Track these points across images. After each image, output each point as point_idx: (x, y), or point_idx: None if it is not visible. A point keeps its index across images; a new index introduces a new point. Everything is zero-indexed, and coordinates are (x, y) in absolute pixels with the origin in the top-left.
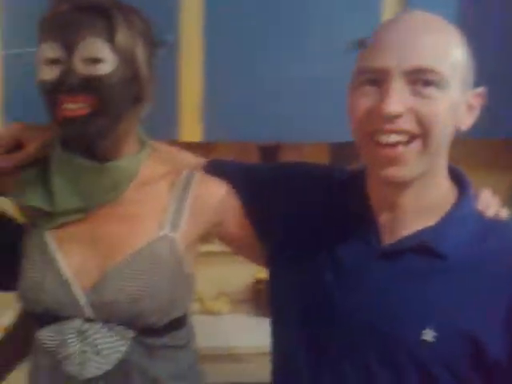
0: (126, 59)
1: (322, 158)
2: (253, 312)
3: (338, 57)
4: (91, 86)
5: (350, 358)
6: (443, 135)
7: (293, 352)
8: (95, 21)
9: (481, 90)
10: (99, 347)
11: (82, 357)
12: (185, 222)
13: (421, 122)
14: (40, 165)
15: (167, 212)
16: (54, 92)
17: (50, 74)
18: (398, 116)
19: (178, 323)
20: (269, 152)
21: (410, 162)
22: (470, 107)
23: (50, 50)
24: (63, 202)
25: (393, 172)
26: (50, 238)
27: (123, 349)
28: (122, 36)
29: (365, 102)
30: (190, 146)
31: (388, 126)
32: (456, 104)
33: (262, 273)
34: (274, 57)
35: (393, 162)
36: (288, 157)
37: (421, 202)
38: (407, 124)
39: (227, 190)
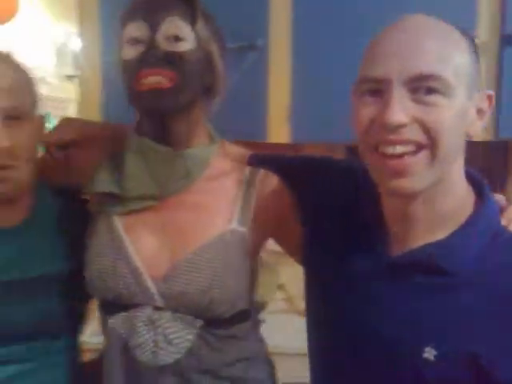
0: (203, 45)
1: None
2: None
3: None
4: (172, 61)
5: (359, 368)
6: (452, 143)
7: (313, 354)
8: (179, 4)
9: (489, 92)
10: (170, 336)
11: (154, 345)
12: (251, 219)
13: (427, 131)
14: (112, 154)
15: (236, 206)
16: (137, 67)
17: (133, 52)
18: (401, 126)
19: (244, 315)
20: (357, 152)
21: (418, 173)
22: (479, 111)
23: (136, 29)
24: (136, 188)
25: (401, 184)
26: (119, 225)
27: (191, 338)
28: (202, 24)
29: (367, 113)
30: (277, 147)
31: (392, 137)
32: (464, 110)
33: None
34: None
35: (400, 173)
36: None
37: (433, 212)
38: (413, 134)
39: (284, 187)
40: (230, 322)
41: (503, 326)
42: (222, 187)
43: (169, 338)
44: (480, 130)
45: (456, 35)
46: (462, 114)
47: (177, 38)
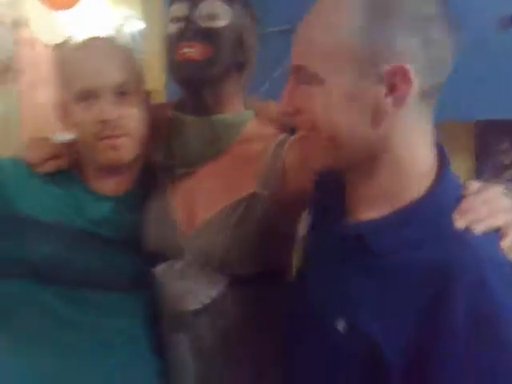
0: (237, 23)
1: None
2: None
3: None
4: (207, 36)
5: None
6: (339, 126)
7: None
8: None
9: (398, 66)
10: (193, 286)
11: (183, 293)
12: (276, 183)
13: (307, 118)
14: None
15: (262, 171)
16: (177, 40)
17: (174, 28)
18: (291, 114)
19: (272, 277)
20: None
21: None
22: (391, 87)
23: (178, 9)
24: (177, 157)
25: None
26: (165, 190)
27: (215, 291)
28: (237, 4)
29: None
30: None
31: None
32: (352, 92)
33: None
34: None
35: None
36: None
37: (372, 188)
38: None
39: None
40: (254, 280)
41: (401, 312)
42: (252, 152)
43: (193, 288)
44: (400, 104)
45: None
46: (352, 96)
47: (213, 16)
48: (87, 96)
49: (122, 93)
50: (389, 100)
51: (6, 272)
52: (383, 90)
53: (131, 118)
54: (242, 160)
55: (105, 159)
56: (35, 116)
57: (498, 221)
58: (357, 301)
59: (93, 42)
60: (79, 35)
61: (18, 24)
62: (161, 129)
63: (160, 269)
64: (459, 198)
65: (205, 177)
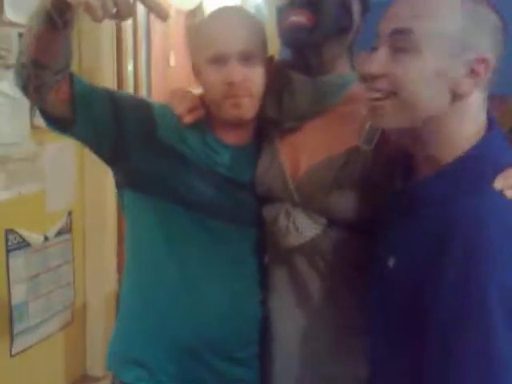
0: None
1: None
2: None
3: None
4: (312, 4)
5: None
6: (420, 94)
7: None
8: None
9: (483, 55)
10: (297, 225)
11: (286, 230)
12: (376, 140)
13: (392, 83)
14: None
15: (365, 129)
16: (286, 9)
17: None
18: (376, 76)
19: (366, 225)
20: None
21: (386, 115)
22: (472, 71)
23: None
24: (285, 112)
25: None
26: (275, 141)
27: (316, 231)
28: None
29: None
30: None
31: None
32: (439, 68)
33: None
34: None
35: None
36: None
37: (425, 150)
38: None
39: None
40: (350, 227)
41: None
42: (355, 112)
43: (297, 226)
44: (469, 90)
45: (441, 3)
46: (437, 72)
47: None
48: (217, 60)
49: (247, 58)
50: (471, 81)
51: (152, 189)
52: (468, 72)
53: (254, 81)
54: (345, 119)
55: (229, 115)
56: (166, 78)
57: None
58: (403, 241)
59: (223, 12)
60: (209, 2)
61: None
62: (273, 85)
63: (269, 207)
64: (503, 162)
65: (310, 131)
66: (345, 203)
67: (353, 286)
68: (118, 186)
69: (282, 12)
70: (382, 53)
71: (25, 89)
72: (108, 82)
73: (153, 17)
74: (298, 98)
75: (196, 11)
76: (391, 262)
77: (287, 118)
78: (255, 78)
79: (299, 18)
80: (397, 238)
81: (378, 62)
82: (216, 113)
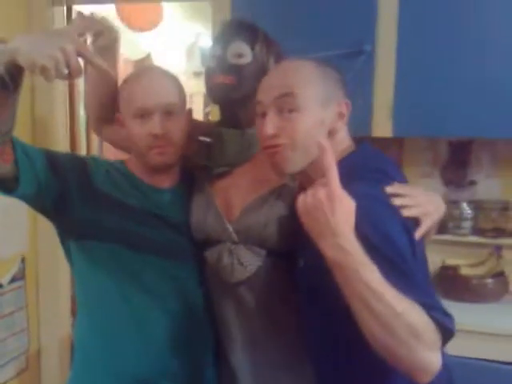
0: (259, 60)
1: None
2: (440, 296)
3: None
4: (234, 69)
5: None
6: (310, 141)
7: None
8: (244, 32)
9: (346, 101)
10: (241, 261)
11: (231, 267)
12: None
13: (287, 137)
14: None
15: None
16: (214, 72)
17: (213, 63)
18: (273, 135)
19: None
20: (459, 147)
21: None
22: (339, 115)
23: (216, 49)
24: (215, 161)
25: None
26: (209, 186)
27: (259, 263)
28: (259, 44)
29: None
30: (381, 141)
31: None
32: (319, 118)
33: (451, 259)
34: (464, 58)
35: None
36: (480, 152)
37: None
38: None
39: None
40: (287, 255)
41: None
42: None
43: (241, 261)
44: (341, 126)
45: (308, 73)
46: (318, 121)
47: (239, 55)
48: (140, 114)
49: (168, 111)
50: (340, 121)
51: (96, 235)
52: (337, 116)
53: (175, 132)
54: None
55: (154, 162)
56: None
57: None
58: (308, 242)
59: (145, 71)
60: (157, 51)
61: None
62: (201, 140)
63: (211, 250)
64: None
65: (239, 175)
66: (280, 234)
67: (292, 302)
68: (62, 239)
69: (209, 74)
70: (271, 116)
71: None
72: (61, 126)
73: None
74: (228, 149)
75: (144, 61)
76: (301, 263)
77: (218, 165)
78: (176, 129)
79: (223, 79)
80: (304, 241)
81: (271, 124)
82: (142, 161)
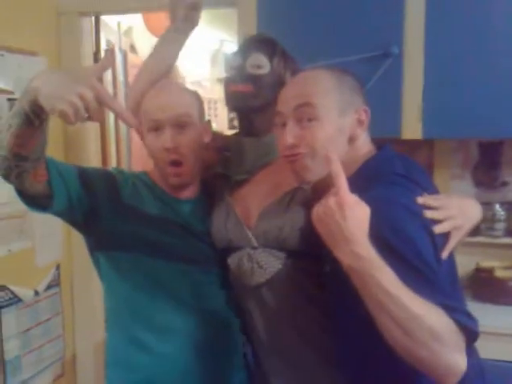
0: (276, 71)
1: None
2: (472, 298)
3: None
4: (253, 79)
5: None
6: (330, 149)
7: None
8: (264, 45)
9: (365, 107)
10: (261, 263)
11: (251, 271)
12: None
13: (307, 146)
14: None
15: None
16: (233, 82)
17: (232, 73)
18: (293, 145)
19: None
20: (490, 148)
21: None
22: (359, 121)
23: (235, 60)
24: (234, 169)
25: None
26: (227, 194)
27: (279, 266)
28: (277, 57)
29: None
30: (411, 143)
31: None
32: (337, 126)
33: (485, 261)
34: (493, 58)
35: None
36: (510, 154)
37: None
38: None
39: None
40: (305, 256)
41: None
42: None
43: (261, 265)
44: (360, 133)
45: (325, 83)
46: (337, 129)
47: (257, 66)
48: (155, 127)
49: (180, 125)
50: (360, 128)
51: (124, 246)
52: (356, 123)
53: (188, 146)
54: (285, 168)
55: (172, 182)
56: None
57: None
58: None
59: (161, 85)
60: (182, 58)
61: (129, 50)
62: (220, 151)
63: (232, 256)
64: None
65: (257, 182)
66: (296, 235)
67: (315, 304)
68: (91, 250)
69: (227, 84)
70: (291, 126)
71: (6, 177)
72: (92, 142)
73: (130, 72)
74: (246, 157)
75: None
76: (327, 268)
77: (236, 173)
78: (189, 142)
79: (241, 87)
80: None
81: (291, 133)
82: (163, 177)
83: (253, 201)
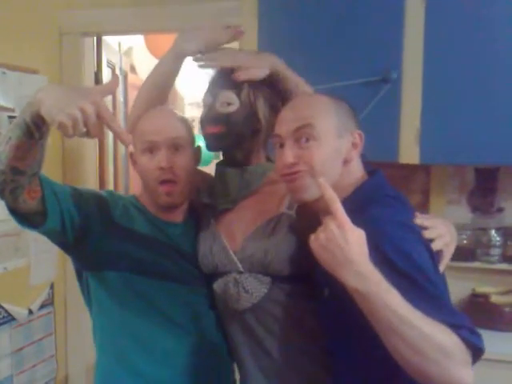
0: (247, 106)
1: None
2: None
3: None
4: (222, 118)
5: None
6: (327, 168)
7: None
8: (231, 82)
9: (359, 131)
10: (247, 288)
11: (237, 296)
12: (294, 208)
13: (305, 165)
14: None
15: (285, 199)
16: (205, 122)
17: (204, 113)
18: (292, 164)
19: (309, 277)
20: (486, 174)
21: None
22: (354, 144)
23: (206, 98)
24: (218, 198)
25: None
26: (213, 221)
27: (264, 290)
28: (245, 91)
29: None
30: (407, 167)
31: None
32: (335, 147)
33: (481, 287)
34: (491, 85)
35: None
36: (507, 179)
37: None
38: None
39: None
40: (293, 279)
41: None
42: (276, 189)
43: (247, 289)
44: (355, 156)
45: (324, 106)
46: (335, 150)
47: (227, 104)
48: (150, 149)
49: (175, 147)
50: (354, 151)
51: (115, 266)
52: (351, 146)
53: (181, 167)
54: (269, 195)
55: (163, 202)
56: None
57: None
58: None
59: (155, 111)
60: (182, 80)
61: (129, 70)
62: (204, 181)
63: (218, 281)
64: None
65: (241, 210)
66: (282, 259)
67: (304, 329)
68: (79, 272)
69: (201, 126)
70: (290, 146)
71: (1, 191)
72: (90, 163)
73: (130, 93)
74: (230, 187)
75: None
76: (326, 292)
77: (221, 202)
78: (182, 163)
79: (213, 129)
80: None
81: (290, 153)
82: (152, 197)
83: (238, 227)
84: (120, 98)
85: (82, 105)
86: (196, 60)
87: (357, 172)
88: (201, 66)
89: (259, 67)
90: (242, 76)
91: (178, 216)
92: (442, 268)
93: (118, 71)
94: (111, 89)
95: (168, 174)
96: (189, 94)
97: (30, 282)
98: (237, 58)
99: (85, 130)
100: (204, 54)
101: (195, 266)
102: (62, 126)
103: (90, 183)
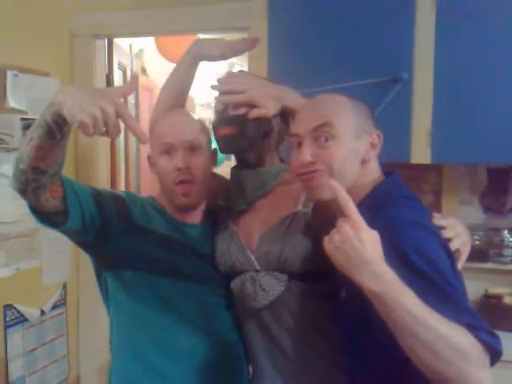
0: None
1: None
2: None
3: None
4: (234, 121)
5: None
6: (345, 168)
7: None
8: None
9: (377, 132)
10: (263, 286)
11: (254, 294)
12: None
13: (323, 163)
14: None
15: (300, 197)
16: (217, 126)
17: (217, 117)
18: (310, 163)
19: (325, 275)
20: (498, 174)
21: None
22: (372, 144)
23: (218, 105)
24: (235, 200)
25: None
26: (231, 221)
27: (281, 288)
28: None
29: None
30: (419, 168)
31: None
32: (353, 147)
33: (494, 288)
34: (502, 84)
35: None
36: None
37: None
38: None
39: None
40: (310, 277)
41: None
42: (290, 190)
43: (263, 287)
44: (374, 157)
45: (342, 105)
46: (353, 150)
47: (238, 106)
48: (167, 151)
49: (192, 149)
50: (372, 151)
51: (133, 265)
52: (369, 146)
53: (198, 168)
54: (283, 195)
55: (180, 203)
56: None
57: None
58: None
59: (172, 113)
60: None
61: (140, 72)
62: (220, 185)
63: (235, 280)
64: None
65: (257, 210)
66: (298, 256)
67: (319, 328)
68: (98, 270)
69: (214, 129)
70: (308, 144)
71: (23, 191)
72: (102, 163)
73: (141, 94)
74: (245, 189)
75: None
76: (343, 294)
77: (237, 203)
78: (199, 164)
79: (226, 130)
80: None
81: (308, 152)
82: (170, 198)
83: (254, 226)
84: (131, 99)
85: (102, 105)
86: (213, 88)
87: (374, 172)
88: (217, 100)
89: (270, 106)
90: (253, 114)
91: (196, 217)
92: (460, 266)
93: (128, 73)
94: (129, 89)
95: (185, 174)
96: (200, 95)
97: (42, 281)
98: (250, 93)
99: (104, 129)
100: (219, 79)
101: (212, 266)
102: (82, 125)
103: (102, 184)
